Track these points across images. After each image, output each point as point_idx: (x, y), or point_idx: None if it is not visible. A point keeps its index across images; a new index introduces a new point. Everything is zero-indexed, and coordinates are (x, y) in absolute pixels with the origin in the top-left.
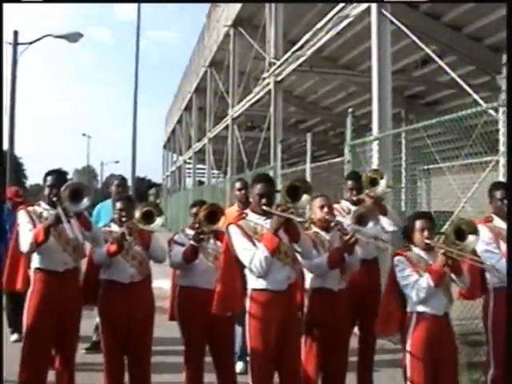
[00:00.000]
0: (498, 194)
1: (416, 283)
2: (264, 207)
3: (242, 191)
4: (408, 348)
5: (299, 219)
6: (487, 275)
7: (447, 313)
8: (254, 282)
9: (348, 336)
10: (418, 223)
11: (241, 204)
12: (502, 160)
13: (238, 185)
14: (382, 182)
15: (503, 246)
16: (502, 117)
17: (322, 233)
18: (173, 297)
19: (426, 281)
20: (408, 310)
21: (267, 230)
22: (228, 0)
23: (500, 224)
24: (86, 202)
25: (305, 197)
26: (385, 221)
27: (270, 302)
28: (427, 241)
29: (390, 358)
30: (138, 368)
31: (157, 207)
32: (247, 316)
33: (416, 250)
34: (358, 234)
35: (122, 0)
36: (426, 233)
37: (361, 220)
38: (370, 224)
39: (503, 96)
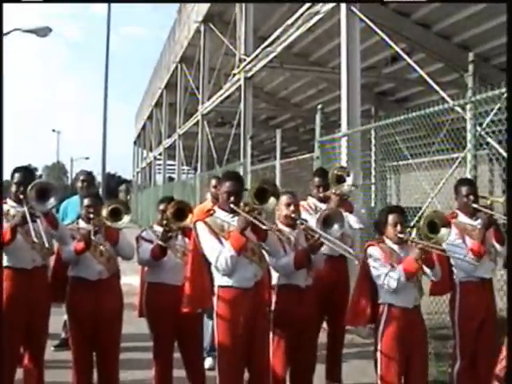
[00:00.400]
0: (464, 190)
1: (388, 274)
2: (232, 205)
3: (217, 188)
4: (378, 340)
5: (265, 226)
6: (454, 270)
7: (417, 306)
8: (220, 280)
9: (316, 332)
10: (391, 217)
11: (215, 200)
12: (469, 156)
13: (213, 182)
14: (349, 180)
15: (468, 241)
16: (468, 114)
17: (288, 230)
18: (141, 293)
19: (397, 273)
20: (379, 301)
21: (234, 227)
22: (197, 0)
23: (464, 220)
24: (52, 201)
25: (272, 200)
26: (351, 218)
27: (236, 299)
28: (400, 235)
29: (358, 351)
30: (107, 365)
31: (124, 204)
32: (214, 313)
33: (388, 243)
34: (323, 239)
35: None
36: (398, 227)
37: (326, 222)
38: (336, 226)
39: (469, 93)
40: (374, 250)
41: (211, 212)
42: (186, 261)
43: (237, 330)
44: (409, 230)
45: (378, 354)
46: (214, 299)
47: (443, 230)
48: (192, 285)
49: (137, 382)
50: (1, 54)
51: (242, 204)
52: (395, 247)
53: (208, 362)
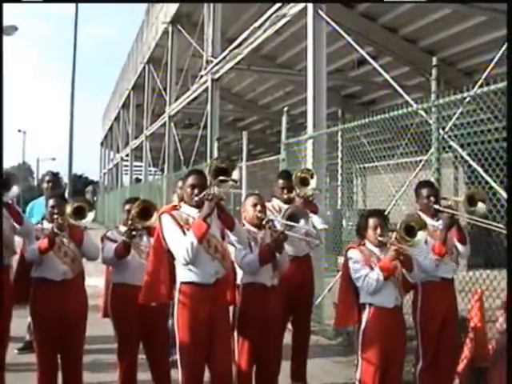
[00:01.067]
0: (424, 191)
1: (367, 276)
2: (196, 198)
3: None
4: (360, 338)
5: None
6: (416, 271)
7: (398, 306)
8: (182, 275)
9: (280, 332)
10: (371, 221)
11: (181, 202)
12: (433, 159)
13: (180, 183)
14: (313, 182)
15: (430, 242)
16: (433, 117)
17: (254, 230)
18: (106, 294)
19: (376, 273)
20: (360, 301)
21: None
22: (165, 0)
23: (426, 221)
24: (15, 189)
25: (235, 173)
26: (315, 219)
27: (196, 295)
28: (380, 238)
29: (323, 352)
30: (71, 367)
31: (88, 202)
32: (176, 309)
33: (369, 246)
34: (289, 232)
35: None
36: (378, 230)
37: (292, 218)
38: (301, 222)
39: (433, 97)
40: (353, 253)
41: (177, 207)
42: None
43: (197, 325)
44: (389, 233)
45: (359, 355)
46: (175, 295)
47: (420, 234)
48: (151, 278)
49: None
50: (1, 54)
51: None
52: (376, 250)
53: None
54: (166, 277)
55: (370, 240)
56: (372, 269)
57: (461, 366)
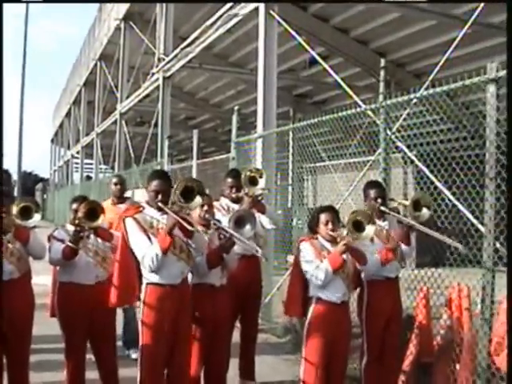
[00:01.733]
0: (372, 192)
1: (317, 268)
2: (159, 204)
3: (118, 186)
4: (305, 330)
5: (190, 228)
6: (361, 269)
7: (345, 302)
8: (148, 276)
9: (229, 331)
10: (323, 216)
11: (115, 199)
12: (380, 159)
13: (114, 180)
14: (261, 182)
15: (376, 241)
16: (381, 118)
17: (201, 230)
18: (53, 293)
19: (324, 265)
20: (309, 294)
21: (163, 224)
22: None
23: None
24: None
25: (198, 199)
26: (263, 219)
27: (163, 295)
28: (331, 233)
29: (272, 350)
30: (17, 367)
31: (35, 203)
32: (141, 309)
33: (321, 241)
34: (236, 239)
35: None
36: (330, 225)
37: (239, 222)
38: (248, 226)
39: (381, 98)
40: (305, 245)
41: (140, 209)
42: (99, 260)
43: (162, 326)
44: (341, 228)
45: (304, 343)
46: (141, 295)
47: (368, 228)
48: (119, 281)
49: None
50: (1, 54)
51: (170, 203)
52: (327, 245)
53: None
54: (133, 279)
55: (322, 235)
56: (322, 262)
57: (406, 362)
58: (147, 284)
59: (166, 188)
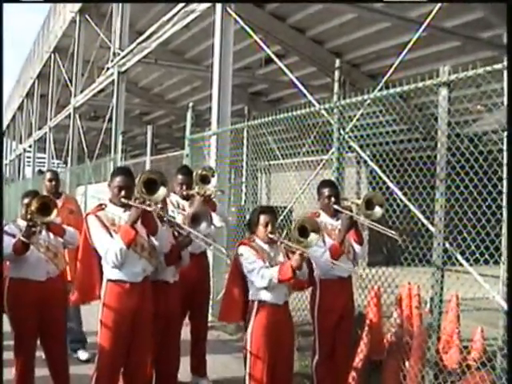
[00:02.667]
0: (325, 191)
1: (260, 270)
2: (123, 199)
3: (52, 182)
4: (248, 335)
5: (153, 208)
6: (314, 268)
7: (287, 302)
8: (109, 273)
9: (179, 327)
10: (262, 217)
11: (50, 195)
12: (334, 159)
13: (48, 175)
14: (213, 180)
15: (327, 240)
16: (335, 118)
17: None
18: (2, 289)
19: (270, 274)
20: (250, 298)
21: (125, 221)
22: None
23: (326, 219)
24: None
25: (162, 190)
26: (214, 217)
27: (124, 293)
28: (270, 235)
29: (224, 347)
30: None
31: None
32: (101, 306)
33: (259, 242)
34: (194, 236)
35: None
36: (269, 227)
37: (195, 219)
38: (204, 224)
39: (335, 98)
40: (245, 249)
41: (102, 206)
42: (50, 256)
43: (121, 323)
44: (279, 230)
45: (248, 351)
46: (102, 293)
47: (312, 235)
48: (81, 278)
49: None
50: (1, 54)
51: (133, 199)
52: (265, 246)
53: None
54: (95, 276)
55: (260, 236)
56: (265, 264)
57: (356, 360)
58: (107, 281)
59: (129, 184)
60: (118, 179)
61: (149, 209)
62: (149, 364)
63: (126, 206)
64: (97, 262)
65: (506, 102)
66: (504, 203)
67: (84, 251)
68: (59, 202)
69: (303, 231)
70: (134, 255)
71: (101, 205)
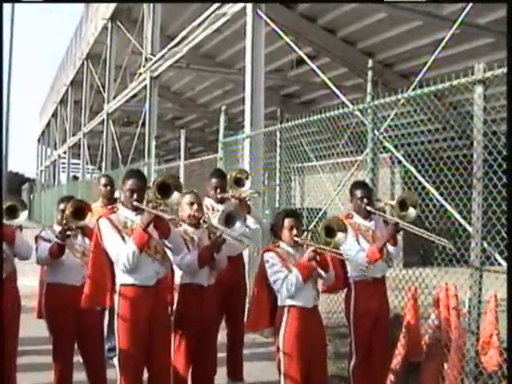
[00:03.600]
0: (358, 193)
1: (286, 278)
2: (135, 203)
3: (108, 187)
4: (281, 341)
5: (169, 216)
6: (348, 269)
7: (316, 305)
8: (122, 277)
9: (216, 331)
10: (287, 221)
11: (105, 200)
12: (369, 160)
13: (103, 180)
14: (247, 183)
15: (362, 241)
16: (368, 118)
17: (191, 230)
18: (40, 294)
19: (294, 275)
20: (279, 304)
21: (137, 225)
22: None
23: (359, 221)
24: None
25: (175, 194)
26: (249, 219)
27: (137, 297)
28: (296, 238)
29: (261, 351)
30: (4, 369)
31: (21, 202)
32: (116, 311)
33: (284, 246)
34: (226, 235)
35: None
36: (294, 230)
37: (229, 219)
38: (238, 224)
39: (368, 98)
40: (270, 256)
41: (114, 209)
42: (86, 261)
43: (137, 328)
44: (305, 233)
45: (281, 354)
46: (115, 297)
47: (339, 235)
48: (92, 282)
49: None
50: (1, 54)
51: (145, 202)
52: (290, 250)
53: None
54: (107, 281)
55: (285, 240)
56: (290, 270)
57: (394, 362)
58: (120, 285)
59: (141, 187)
60: (130, 182)
61: (161, 214)
62: (180, 367)
63: (138, 209)
64: (108, 268)
65: (506, 102)
66: None
67: (95, 255)
68: None
69: (330, 232)
70: (146, 258)
71: (113, 207)
